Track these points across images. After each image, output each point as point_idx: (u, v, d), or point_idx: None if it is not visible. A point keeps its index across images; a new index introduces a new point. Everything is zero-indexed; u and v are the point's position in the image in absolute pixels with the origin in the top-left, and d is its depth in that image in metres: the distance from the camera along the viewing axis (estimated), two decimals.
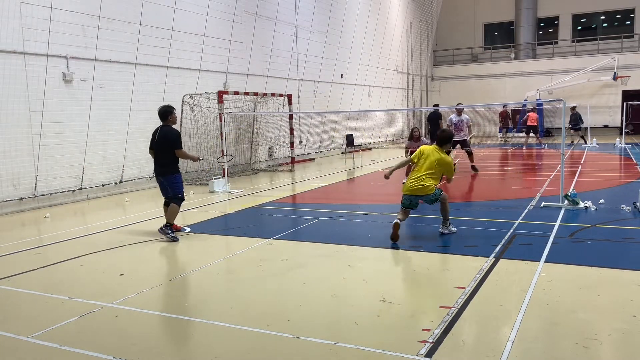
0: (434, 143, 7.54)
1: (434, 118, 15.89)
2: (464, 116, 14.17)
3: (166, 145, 7.51)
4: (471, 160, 14.08)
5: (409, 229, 7.84)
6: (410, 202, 7.22)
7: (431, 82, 34.29)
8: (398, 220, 6.96)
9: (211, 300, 5.25)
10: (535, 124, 22.63)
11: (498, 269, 5.66)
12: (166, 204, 7.75)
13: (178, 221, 7.94)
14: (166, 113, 7.60)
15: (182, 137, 13.29)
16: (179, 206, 7.60)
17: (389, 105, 27.86)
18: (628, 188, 10.89)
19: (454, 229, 7.39)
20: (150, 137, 7.78)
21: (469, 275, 5.41)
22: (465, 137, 13.96)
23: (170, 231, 7.43)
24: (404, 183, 12.63)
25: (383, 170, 13.11)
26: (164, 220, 7.67)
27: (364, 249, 6.64)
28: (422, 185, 7.12)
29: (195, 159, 8.10)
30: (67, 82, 10.96)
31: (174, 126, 7.73)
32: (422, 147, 7.46)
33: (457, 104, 14.87)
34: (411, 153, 12.95)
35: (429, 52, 33.21)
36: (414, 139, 12.76)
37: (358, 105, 24.25)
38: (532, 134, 22.99)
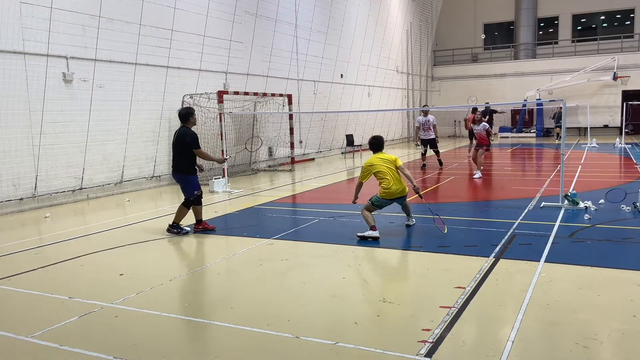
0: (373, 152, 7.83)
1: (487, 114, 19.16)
2: (430, 116, 15.42)
3: (182, 146, 7.63)
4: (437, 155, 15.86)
5: (408, 229, 7.84)
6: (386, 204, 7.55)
7: (431, 82, 34.29)
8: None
9: (211, 300, 5.25)
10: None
11: (498, 269, 5.66)
12: (194, 203, 7.93)
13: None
14: (187, 115, 7.77)
15: None
16: (187, 208, 7.76)
17: (389, 105, 27.86)
18: (628, 188, 10.87)
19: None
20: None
21: (469, 275, 5.41)
22: (433, 137, 15.45)
23: (179, 230, 7.68)
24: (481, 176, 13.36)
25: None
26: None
27: (364, 249, 6.64)
28: (403, 187, 7.43)
29: (219, 161, 8.80)
30: (67, 82, 10.96)
31: (193, 128, 7.88)
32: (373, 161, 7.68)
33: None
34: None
35: (429, 52, 33.20)
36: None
37: (358, 105, 24.25)
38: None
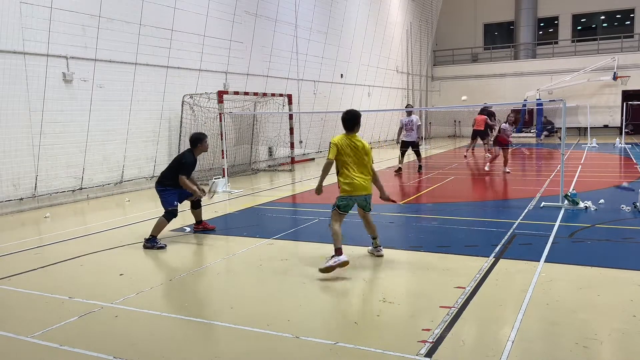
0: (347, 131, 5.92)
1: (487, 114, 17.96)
2: (414, 117, 14.62)
3: (174, 165, 7.35)
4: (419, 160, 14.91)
5: (409, 229, 7.84)
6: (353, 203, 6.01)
7: (431, 82, 34.29)
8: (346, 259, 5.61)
9: (211, 300, 5.25)
10: (482, 128, 17.94)
11: (498, 269, 5.66)
12: (193, 207, 7.76)
13: (178, 221, 7.94)
14: (196, 141, 7.42)
15: (181, 137, 13.49)
16: (167, 220, 7.17)
17: (389, 105, 27.86)
18: (628, 188, 10.88)
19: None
20: None
21: (469, 275, 5.41)
22: (415, 139, 14.58)
23: (154, 243, 7.02)
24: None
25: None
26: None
27: (364, 249, 6.63)
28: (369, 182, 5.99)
29: (196, 193, 7.40)
30: (67, 82, 10.96)
31: (202, 154, 7.75)
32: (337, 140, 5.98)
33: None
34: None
35: (429, 52, 33.21)
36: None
37: (358, 105, 24.22)
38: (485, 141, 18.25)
